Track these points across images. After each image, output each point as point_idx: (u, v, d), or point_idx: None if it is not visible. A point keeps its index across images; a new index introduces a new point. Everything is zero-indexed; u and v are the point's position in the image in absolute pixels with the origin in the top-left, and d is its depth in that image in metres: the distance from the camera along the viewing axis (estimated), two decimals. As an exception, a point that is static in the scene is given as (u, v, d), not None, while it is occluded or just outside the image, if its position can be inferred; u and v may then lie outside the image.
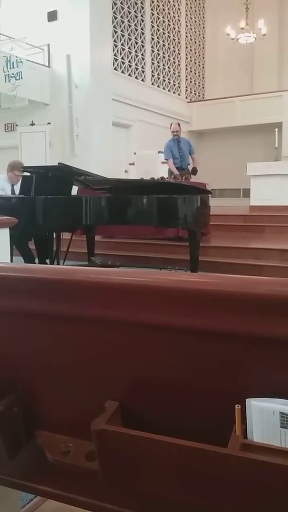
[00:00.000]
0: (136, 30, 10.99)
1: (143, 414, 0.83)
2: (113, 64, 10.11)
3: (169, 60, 12.39)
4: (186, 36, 13.07)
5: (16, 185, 5.71)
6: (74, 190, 5.48)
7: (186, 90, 13.27)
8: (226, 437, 0.72)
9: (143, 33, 11.22)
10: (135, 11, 10.87)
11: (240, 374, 0.74)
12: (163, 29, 11.98)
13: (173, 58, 12.57)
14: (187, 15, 13.01)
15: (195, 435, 0.74)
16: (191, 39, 13.35)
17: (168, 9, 12.17)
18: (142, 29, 11.17)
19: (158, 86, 11.93)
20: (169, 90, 12.42)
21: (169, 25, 12.24)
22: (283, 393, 0.69)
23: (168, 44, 12.29)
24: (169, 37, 12.28)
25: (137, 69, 11.09)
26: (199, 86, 14.01)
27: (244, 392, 0.72)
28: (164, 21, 12.00)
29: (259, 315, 0.68)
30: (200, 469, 0.72)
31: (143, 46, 11.26)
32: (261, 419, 0.70)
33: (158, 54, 11.89)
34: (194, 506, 0.77)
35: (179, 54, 12.81)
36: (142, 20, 11.16)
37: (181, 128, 7.38)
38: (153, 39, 11.61)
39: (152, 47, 11.60)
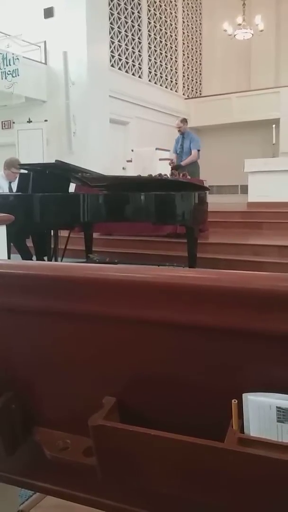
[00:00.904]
0: (133, 26, 10.96)
1: (140, 410, 0.83)
2: (110, 61, 10.08)
3: (166, 56, 12.36)
4: (183, 33, 13.04)
5: (14, 183, 5.69)
6: (72, 187, 5.48)
7: (183, 87, 13.25)
8: (223, 432, 0.72)
9: (140, 30, 11.20)
10: (131, 8, 10.83)
11: (238, 369, 0.74)
12: (160, 25, 11.95)
13: (170, 55, 12.54)
14: (184, 11, 12.97)
15: (193, 430, 0.74)
16: (188, 36, 13.32)
17: (165, 5, 12.14)
18: (139, 25, 11.14)
19: (155, 83, 11.90)
20: (166, 87, 12.40)
21: (166, 21, 12.21)
22: (280, 388, 0.69)
23: (165, 40, 12.26)
24: (166, 33, 12.25)
25: (134, 65, 11.07)
26: (196, 82, 13.98)
27: (241, 387, 0.72)
28: (160, 18, 11.97)
29: (258, 311, 0.68)
30: (198, 464, 0.72)
31: (140, 43, 11.24)
32: (258, 413, 0.70)
33: (155, 51, 11.87)
34: (192, 500, 0.77)
35: (176, 50, 12.78)
36: (139, 17, 11.13)
37: (185, 124, 7.35)
38: (150, 35, 11.58)
39: (149, 43, 11.57)
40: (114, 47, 10.34)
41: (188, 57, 13.41)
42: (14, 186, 5.69)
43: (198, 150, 7.32)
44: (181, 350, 0.78)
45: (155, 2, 11.67)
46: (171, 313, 0.74)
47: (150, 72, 11.67)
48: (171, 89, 12.63)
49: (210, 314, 0.71)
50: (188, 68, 13.46)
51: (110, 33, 10.07)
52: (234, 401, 0.71)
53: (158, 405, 0.82)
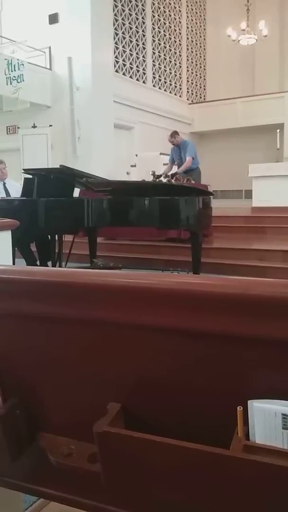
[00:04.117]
0: (137, 32, 11.00)
1: (145, 416, 0.83)
2: (115, 66, 10.12)
3: (170, 62, 12.40)
4: (187, 38, 13.09)
5: (7, 182, 5.75)
6: (76, 192, 5.49)
7: (188, 92, 13.28)
8: (228, 439, 0.72)
9: (144, 35, 11.24)
10: (136, 14, 10.89)
11: (242, 375, 0.74)
12: (164, 31, 12.00)
13: (174, 60, 12.58)
14: (188, 17, 13.02)
15: (198, 437, 0.73)
16: (192, 41, 13.36)
17: (169, 11, 12.19)
18: (143, 31, 11.19)
19: (159, 88, 11.94)
20: (170, 92, 12.43)
21: (170, 27, 12.26)
22: (285, 395, 0.69)
23: (169, 46, 12.30)
24: (170, 39, 12.30)
25: (138, 71, 11.11)
26: (201, 87, 14.02)
27: (246, 393, 0.72)
28: (165, 23, 12.02)
29: (262, 317, 0.68)
30: (203, 471, 0.72)
31: (144, 48, 11.28)
32: (263, 420, 0.70)
33: (159, 56, 11.91)
34: (197, 507, 0.77)
35: (180, 55, 12.83)
36: (143, 22, 11.18)
37: (176, 136, 7.31)
38: (154, 41, 11.63)
39: (153, 49, 11.61)
40: (118, 53, 10.38)
41: (192, 62, 13.45)
42: (9, 185, 5.74)
43: (193, 158, 7.24)
44: (186, 356, 0.78)
45: (159, 8, 11.72)
46: (176, 319, 0.74)
47: (154, 78, 11.71)
48: (175, 94, 12.66)
49: (214, 320, 0.71)
50: (192, 73, 13.50)
51: (114, 38, 10.12)
52: (240, 408, 0.71)
53: (163, 412, 0.82)
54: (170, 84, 12.45)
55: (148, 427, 0.78)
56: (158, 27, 11.78)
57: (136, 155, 10.26)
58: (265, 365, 0.72)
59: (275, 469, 0.66)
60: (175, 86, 12.70)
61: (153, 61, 11.65)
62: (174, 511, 0.82)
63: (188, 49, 13.15)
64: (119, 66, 10.41)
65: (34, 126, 9.18)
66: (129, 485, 0.83)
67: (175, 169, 7.51)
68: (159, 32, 11.83)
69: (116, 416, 0.81)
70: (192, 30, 13.32)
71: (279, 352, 0.70)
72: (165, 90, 12.18)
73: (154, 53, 11.67)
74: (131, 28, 10.77)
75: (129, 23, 10.70)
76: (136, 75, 11.04)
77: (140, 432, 0.77)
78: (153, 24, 11.54)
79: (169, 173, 7.20)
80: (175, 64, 12.63)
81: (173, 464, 0.75)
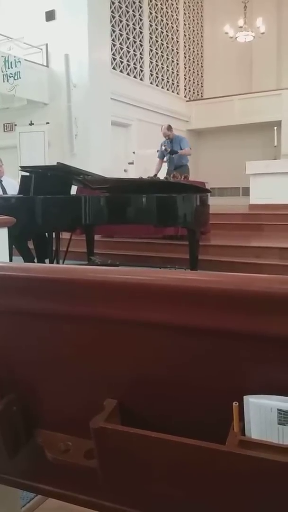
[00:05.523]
0: (135, 29, 10.98)
1: (141, 412, 0.83)
2: (112, 63, 10.10)
3: (168, 59, 12.38)
4: (185, 35, 13.06)
5: (4, 180, 5.74)
6: (73, 189, 5.49)
7: (185, 89, 13.26)
8: (224, 435, 0.72)
9: (141, 32, 11.21)
10: (133, 10, 10.86)
11: (238, 371, 0.74)
12: (161, 28, 11.97)
13: (172, 57, 12.56)
14: (185, 13, 13.00)
15: (194, 432, 0.74)
16: (189, 38, 13.34)
17: (166, 8, 12.16)
18: (140, 28, 11.16)
19: (156, 85, 11.92)
20: (167, 89, 12.41)
21: (167, 24, 12.23)
22: (281, 390, 0.69)
23: (167, 43, 12.28)
24: (167, 36, 12.27)
25: (135, 68, 11.08)
26: (198, 85, 14.00)
27: (242, 389, 0.72)
28: (162, 20, 11.99)
29: (258, 313, 0.68)
30: (199, 466, 0.72)
31: (141, 45, 11.25)
32: (259, 416, 0.70)
33: (157, 53, 11.88)
34: (193, 503, 0.77)
35: (177, 53, 12.80)
36: (140, 19, 11.15)
37: (171, 130, 7.32)
38: (151, 38, 11.60)
39: (150, 46, 11.59)
40: (115, 50, 10.35)
41: (189, 59, 13.42)
42: (6, 183, 5.73)
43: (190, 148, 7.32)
44: (182, 352, 0.78)
45: (156, 5, 11.69)
46: (172, 315, 0.74)
47: (151, 75, 11.69)
48: (172, 91, 12.65)
49: (211, 316, 0.71)
50: (189, 70, 13.48)
51: (111, 35, 10.09)
52: (235, 403, 0.71)
53: (159, 408, 0.83)
54: (167, 82, 12.43)
55: (145, 423, 0.78)
56: (155, 24, 11.75)
57: (134, 153, 10.25)
58: (261, 360, 0.72)
59: (270, 464, 0.67)
60: (172, 84, 12.68)
61: (150, 58, 11.63)
62: (170, 506, 0.82)
63: (185, 46, 13.13)
64: (116, 63, 10.39)
65: (31, 124, 9.16)
66: (126, 481, 0.83)
67: (164, 167, 7.55)
68: (156, 29, 11.80)
69: (113, 412, 0.81)
70: (189, 27, 13.29)
71: (276, 348, 0.70)
72: (162, 88, 12.15)
73: (151, 50, 11.64)
74: (128, 25, 10.74)
75: (126, 20, 10.67)
76: (133, 73, 11.01)
77: (136, 428, 0.77)
78: (150, 21, 11.50)
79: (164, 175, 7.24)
80: (172, 61, 12.61)
81: (170, 459, 0.75)
